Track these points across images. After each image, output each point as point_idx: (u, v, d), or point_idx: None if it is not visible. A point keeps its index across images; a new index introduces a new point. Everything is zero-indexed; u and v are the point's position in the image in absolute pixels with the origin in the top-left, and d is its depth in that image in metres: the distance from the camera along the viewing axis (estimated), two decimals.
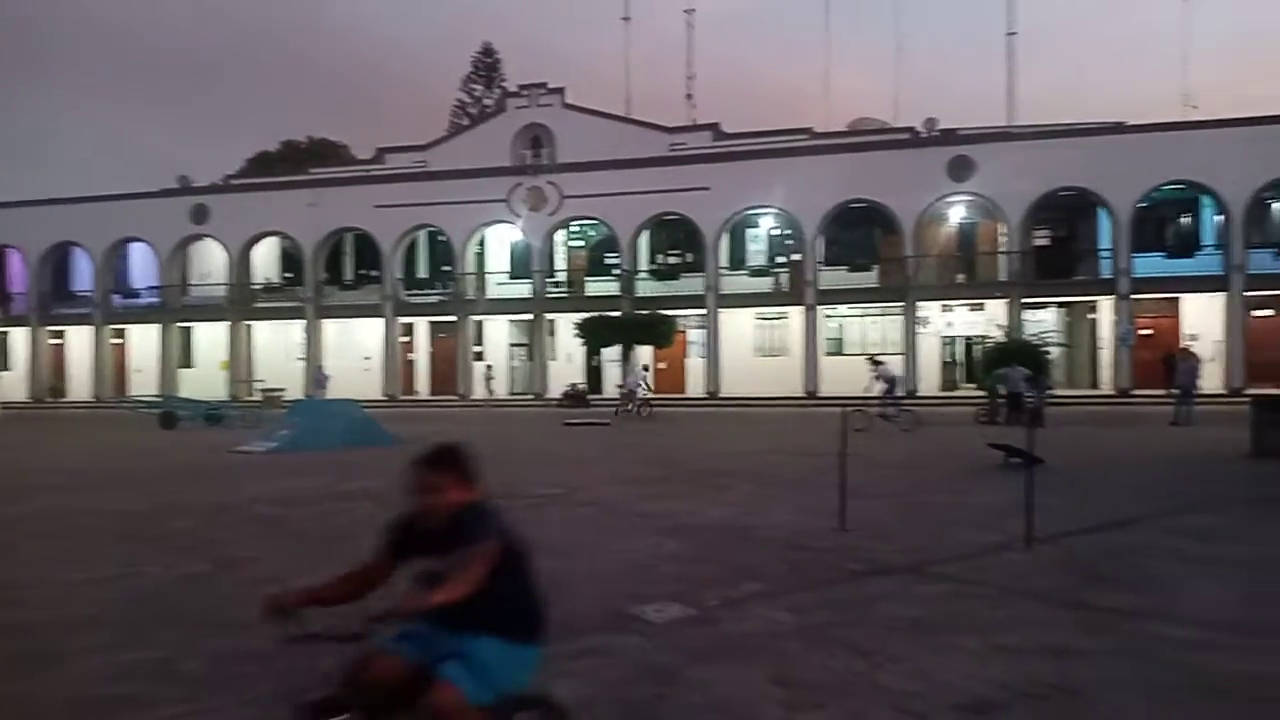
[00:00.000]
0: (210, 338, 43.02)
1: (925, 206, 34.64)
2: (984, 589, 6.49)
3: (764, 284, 37.78)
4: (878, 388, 21.20)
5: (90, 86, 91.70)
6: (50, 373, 44.93)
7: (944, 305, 36.30)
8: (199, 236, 42.85)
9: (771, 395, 33.35)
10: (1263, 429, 14.73)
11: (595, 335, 34.30)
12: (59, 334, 45.43)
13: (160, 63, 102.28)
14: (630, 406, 28.10)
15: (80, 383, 44.24)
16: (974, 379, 32.89)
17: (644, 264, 39.31)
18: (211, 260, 43.85)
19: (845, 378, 31.27)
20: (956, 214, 36.31)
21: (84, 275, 45.39)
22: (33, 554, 8.25)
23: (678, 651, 5.14)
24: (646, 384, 29.59)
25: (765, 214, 37.35)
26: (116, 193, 43.30)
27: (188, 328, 43.70)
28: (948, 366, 36.86)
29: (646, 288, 38.12)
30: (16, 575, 7.33)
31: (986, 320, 34.97)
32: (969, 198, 34.92)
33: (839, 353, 35.98)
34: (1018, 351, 26.70)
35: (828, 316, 36.73)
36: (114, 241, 43.70)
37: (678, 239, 39.21)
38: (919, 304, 34.97)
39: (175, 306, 43.05)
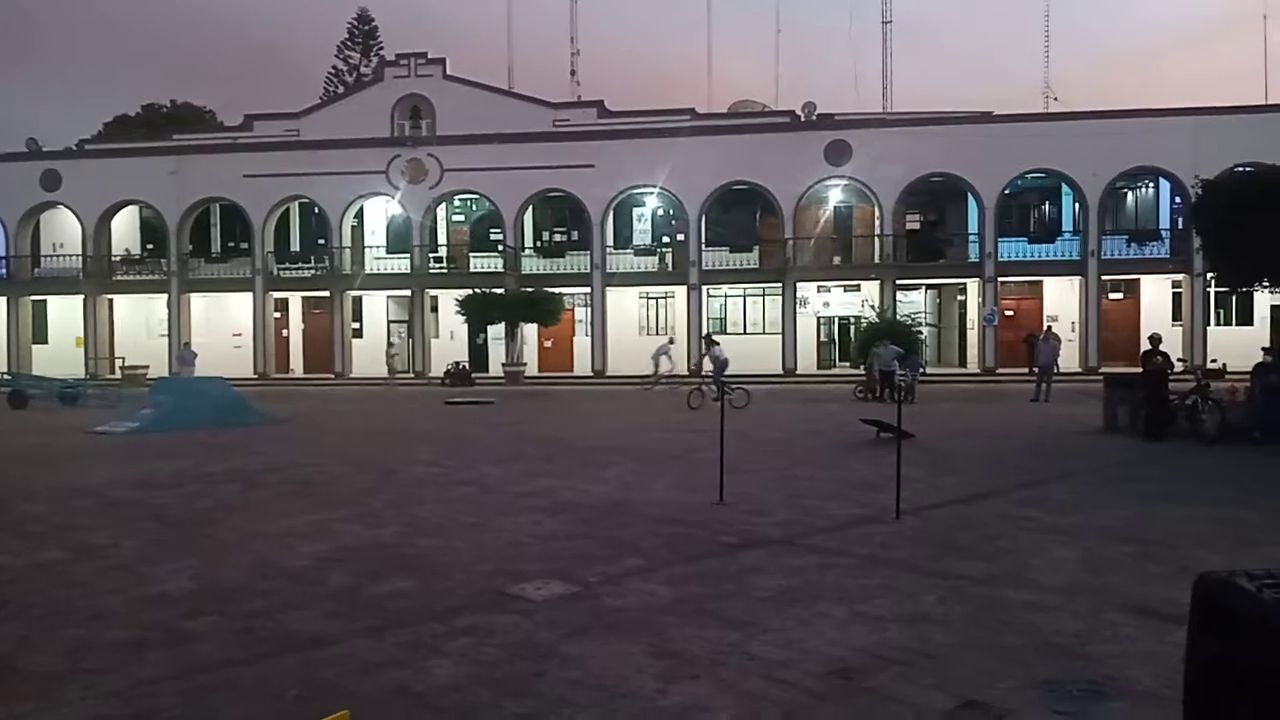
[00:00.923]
0: (65, 312, 40.47)
1: (804, 189, 35.41)
2: (851, 559, 6.74)
3: (649, 263, 38.00)
4: (707, 365, 22.74)
5: None
6: None
7: (821, 286, 37.32)
8: (51, 204, 40.16)
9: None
10: (1113, 405, 15.76)
11: (478, 312, 33.84)
12: None
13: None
14: (659, 381, 28.06)
15: None
16: (849, 358, 34.01)
17: (529, 241, 38.97)
18: (65, 230, 41.16)
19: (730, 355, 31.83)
20: (834, 197, 37.26)
21: None
22: None
23: (557, 628, 5.16)
24: (670, 359, 29.62)
25: (649, 193, 37.48)
26: None
27: (41, 301, 41.00)
28: (825, 346, 37.97)
29: (531, 265, 37.84)
30: None
31: (861, 301, 36.15)
32: (845, 181, 35.88)
33: (722, 331, 36.55)
34: (890, 331, 27.67)
35: (711, 296, 37.27)
36: None
37: (563, 216, 39.01)
38: (798, 284, 35.83)
39: (25, 279, 40.28)
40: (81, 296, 39.32)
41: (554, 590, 5.94)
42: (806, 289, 36.64)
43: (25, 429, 18.16)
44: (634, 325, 37.98)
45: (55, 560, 6.99)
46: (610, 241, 37.65)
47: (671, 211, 37.83)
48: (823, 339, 38.05)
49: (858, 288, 36.81)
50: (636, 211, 38.88)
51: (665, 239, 38.57)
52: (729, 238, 37.28)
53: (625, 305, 37.72)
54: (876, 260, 35.90)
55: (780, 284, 35.79)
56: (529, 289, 34.74)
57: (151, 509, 9.14)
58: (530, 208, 38.16)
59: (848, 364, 33.96)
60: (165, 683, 4.39)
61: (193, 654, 4.82)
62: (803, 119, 36.72)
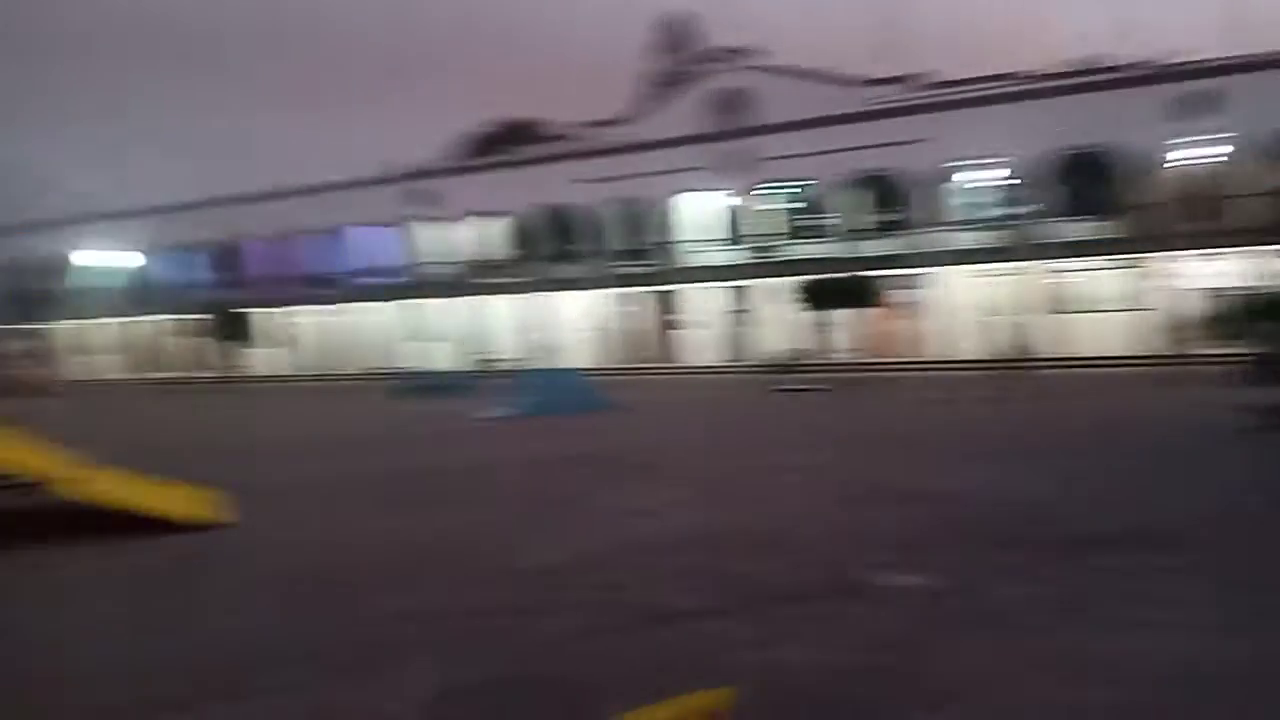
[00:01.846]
0: (442, 313, 46.01)
1: (1160, 148, 31.59)
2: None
3: (986, 239, 35.85)
4: None
5: (282, 93, 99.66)
6: (304, 348, 49.59)
7: (1186, 255, 33.07)
8: (427, 218, 45.81)
9: (998, 357, 31.72)
10: None
11: (807, 299, 33.82)
12: (308, 313, 49.96)
13: (353, 65, 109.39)
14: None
15: (328, 357, 48.56)
16: (1227, 335, 29.83)
17: (855, 224, 38.32)
18: (443, 239, 46.80)
19: (1087, 336, 29.40)
20: (1197, 155, 32.81)
21: (326, 258, 49.58)
22: (300, 509, 9.22)
23: (921, 621, 5.08)
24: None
25: (982, 165, 35.31)
26: (348, 180, 47.04)
27: (422, 304, 46.91)
28: (1190, 322, 33.62)
29: (857, 248, 37.18)
30: (293, 527, 8.24)
31: (1237, 271, 31.53)
32: (1213, 136, 31.48)
33: (1076, 311, 33.61)
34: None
35: (1056, 272, 34.41)
36: (350, 224, 47.52)
37: (889, 196, 37.91)
38: (1158, 254, 32.05)
39: (409, 284, 46.32)
40: (457, 299, 44.57)
41: (913, 581, 5.84)
42: (1168, 258, 32.64)
43: (416, 416, 20.89)
44: (971, 306, 36.03)
45: (449, 529, 8.02)
46: (941, 219, 36.00)
47: (1009, 183, 35.39)
48: (1190, 314, 33.68)
49: (1231, 256, 32.14)
50: (966, 185, 36.83)
51: (1004, 213, 36.16)
52: (1075, 207, 34.18)
53: (961, 285, 35.89)
54: (1252, 225, 31.08)
55: (1136, 254, 32.21)
56: (857, 273, 34.14)
57: (522, 486, 10.18)
58: (854, 189, 37.50)
59: (1224, 341, 29.81)
60: (552, 645, 4.90)
61: (572, 620, 5.34)
62: (1154, 71, 32.71)
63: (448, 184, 45.19)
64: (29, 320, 54.75)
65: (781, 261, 38.00)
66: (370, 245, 48.20)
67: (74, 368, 53.30)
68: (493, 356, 40.68)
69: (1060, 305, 33.46)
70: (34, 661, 4.99)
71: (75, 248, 49.60)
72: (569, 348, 38.87)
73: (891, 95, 36.10)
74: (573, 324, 42.28)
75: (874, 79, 37.52)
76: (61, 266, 53.73)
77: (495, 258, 46.20)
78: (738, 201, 38.57)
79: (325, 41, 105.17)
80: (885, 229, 37.42)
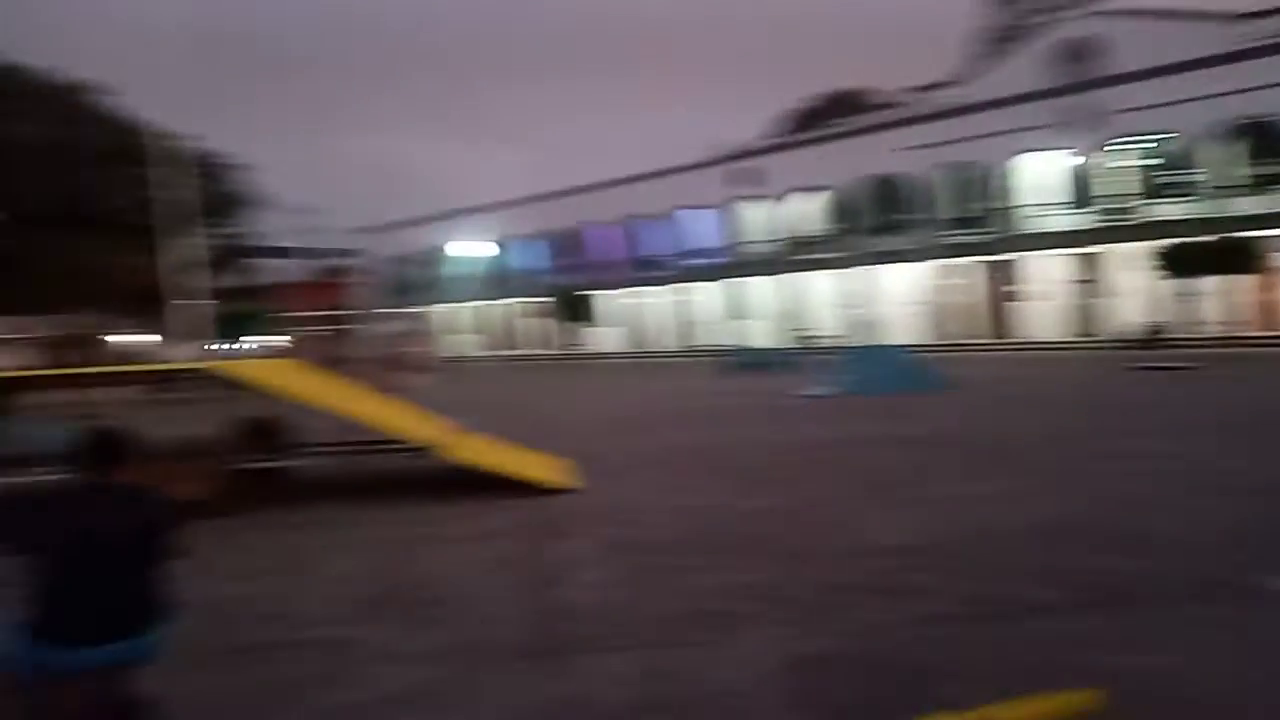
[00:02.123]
0: (763, 290, 46.50)
1: None
2: None
3: None
4: None
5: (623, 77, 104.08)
6: (640, 327, 52.43)
7: None
8: (746, 198, 46.39)
9: None
10: None
11: (1169, 265, 30.09)
12: (642, 294, 52.65)
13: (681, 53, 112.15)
14: None
15: (661, 335, 50.94)
16: None
17: (1222, 179, 33.47)
18: (760, 218, 47.24)
19: None
20: None
21: (656, 243, 51.88)
22: (640, 481, 9.70)
23: None
24: None
25: None
26: (674, 166, 48.77)
27: (743, 283, 47.71)
28: None
29: (1228, 206, 32.43)
30: (631, 499, 8.70)
31: None
32: None
33: None
34: None
35: None
36: (676, 209, 49.31)
37: (1265, 146, 32.61)
38: None
39: (731, 264, 47.26)
40: (776, 276, 44.82)
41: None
42: None
43: (743, 392, 21.28)
44: None
45: (784, 507, 8.06)
46: None
47: None
48: None
49: None
50: None
51: None
52: None
53: None
54: None
55: None
56: (1229, 235, 29.81)
57: (855, 466, 10.01)
58: (1224, 140, 32.72)
59: None
60: (900, 628, 4.78)
61: (921, 606, 5.16)
62: None
63: (771, 162, 45.44)
64: (409, 304, 62.74)
65: (1138, 224, 34.15)
66: (698, 227, 49.75)
67: (442, 347, 60.34)
68: (814, 333, 40.45)
69: None
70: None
71: (444, 239, 55.90)
72: (894, 323, 37.68)
73: (1268, 30, 30.99)
74: (898, 298, 40.89)
75: (1246, 13, 32.44)
76: (433, 257, 61.01)
77: (816, 233, 45.81)
78: (1085, 160, 35.11)
79: (657, 36, 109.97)
80: (1264, 183, 32.33)
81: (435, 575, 6.33)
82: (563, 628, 5.07)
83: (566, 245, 56.11)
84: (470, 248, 46.44)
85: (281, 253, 51.66)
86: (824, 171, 42.58)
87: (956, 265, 40.34)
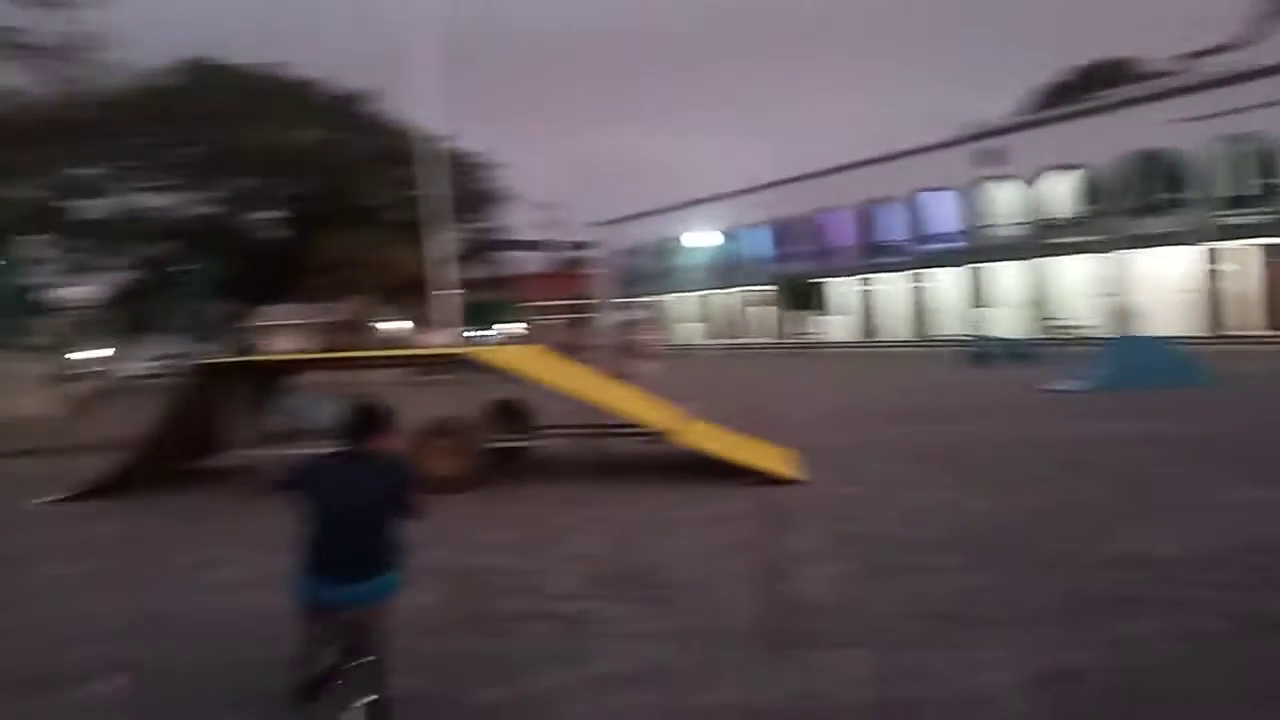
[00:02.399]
0: (1008, 277, 43.81)
1: None
2: None
3: None
4: None
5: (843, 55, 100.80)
6: (871, 315, 50.97)
7: None
8: (993, 178, 43.80)
9: None
10: None
11: None
12: (873, 281, 51.11)
13: (918, 16, 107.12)
14: None
15: (894, 324, 49.23)
16: None
17: None
18: (1007, 200, 44.49)
19: None
20: None
21: (894, 227, 50.12)
22: (873, 475, 9.40)
23: None
24: None
25: None
26: (913, 148, 46.74)
27: (986, 268, 45.17)
28: None
29: None
30: (865, 494, 8.44)
31: None
32: None
33: None
34: None
35: None
36: (914, 192, 47.33)
37: None
38: None
39: (974, 249, 44.85)
40: (1024, 261, 42.06)
41: None
42: None
43: (985, 385, 20.16)
44: None
45: (1033, 508, 7.54)
46: None
47: None
48: None
49: None
50: None
51: None
52: None
53: None
54: None
55: None
56: None
57: (1113, 468, 9.21)
58: None
59: None
60: (1163, 644, 4.35)
61: (1188, 620, 4.69)
62: None
63: (1021, 140, 42.68)
64: (641, 294, 64.46)
65: None
66: (939, 210, 47.64)
67: (671, 335, 61.50)
68: (1065, 323, 37.63)
69: None
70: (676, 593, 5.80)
71: (675, 230, 56.88)
72: (1156, 313, 34.28)
73: None
74: (1162, 286, 37.23)
75: None
76: (664, 247, 62.29)
77: (1068, 215, 42.56)
78: None
79: (900, 9, 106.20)
80: None
81: (669, 558, 6.44)
82: (796, 620, 5.01)
83: (796, 232, 55.47)
84: (700, 237, 46.97)
85: (525, 245, 54.57)
86: (1080, 149, 39.41)
87: (1231, 249, 36.16)
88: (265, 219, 41.39)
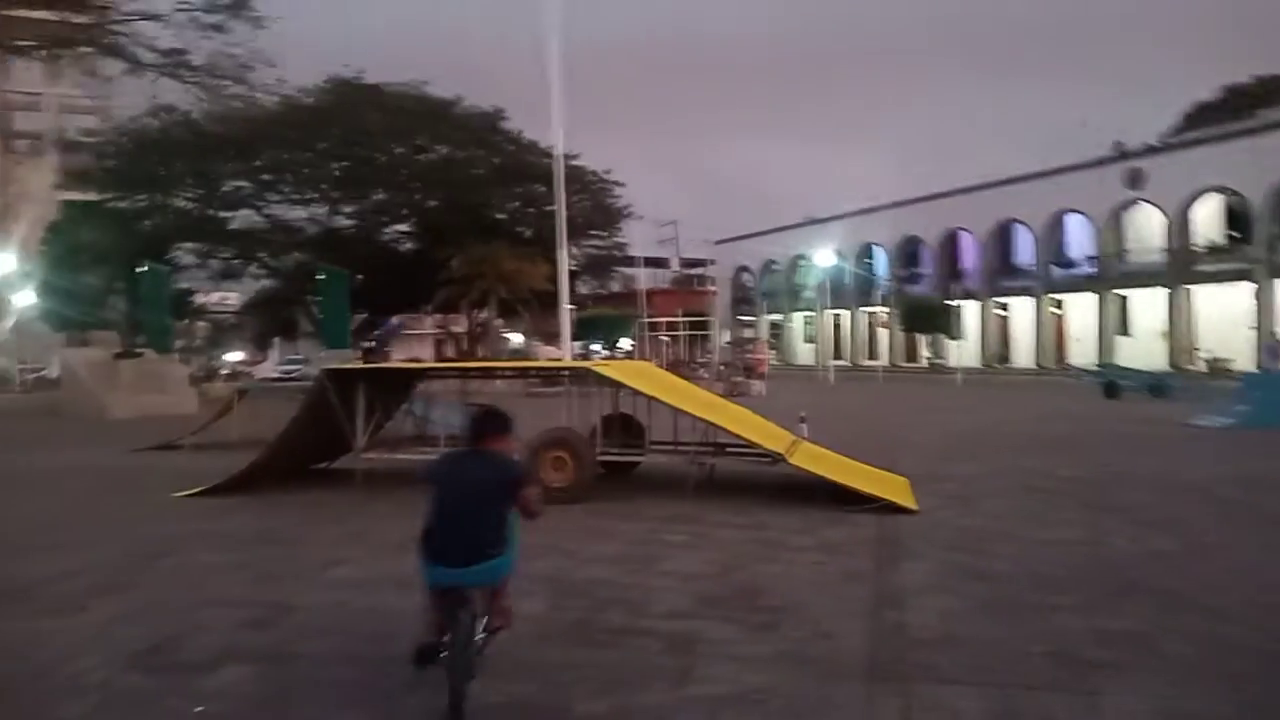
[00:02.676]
0: (1147, 305, 41.66)
1: None
2: None
3: None
4: None
5: (988, 68, 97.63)
6: (997, 341, 49.22)
7: None
8: (1134, 201, 41.79)
9: None
10: None
11: None
12: (1004, 305, 49.38)
13: (1067, 29, 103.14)
14: None
15: (1022, 351, 47.43)
16: None
17: None
18: (1146, 225, 42.34)
19: None
20: None
21: (1025, 249, 48.36)
22: (993, 508, 9.04)
23: None
24: None
25: None
26: (1050, 168, 44.98)
27: (1124, 295, 43.07)
28: None
29: None
30: (985, 526, 8.14)
31: None
32: None
33: None
34: None
35: None
36: (1051, 214, 45.53)
37: None
38: None
39: (1111, 275, 42.85)
40: (1163, 289, 39.89)
41: None
42: None
43: (1119, 418, 19.19)
44: None
45: (1167, 550, 7.14)
46: None
47: None
48: None
49: None
50: None
51: None
52: None
53: None
54: None
55: None
56: None
57: (1258, 510, 8.64)
58: None
59: None
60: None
61: None
62: None
63: (1166, 161, 40.61)
64: (756, 313, 64.08)
65: None
66: (1076, 233, 45.79)
67: (786, 355, 60.84)
68: (1212, 355, 35.50)
69: None
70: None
71: (795, 248, 56.36)
72: None
73: None
74: None
75: None
76: (782, 265, 61.77)
77: (1214, 242, 40.20)
78: None
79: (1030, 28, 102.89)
80: None
81: (777, 582, 6.36)
82: (907, 652, 4.87)
83: (920, 253, 54.17)
84: (822, 256, 46.35)
85: (644, 262, 55.04)
86: (1230, 172, 37.20)
87: None
88: (398, 231, 43.09)
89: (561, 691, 4.39)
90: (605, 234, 44.18)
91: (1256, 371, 26.25)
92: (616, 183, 42.63)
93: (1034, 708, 4.09)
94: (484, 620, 4.20)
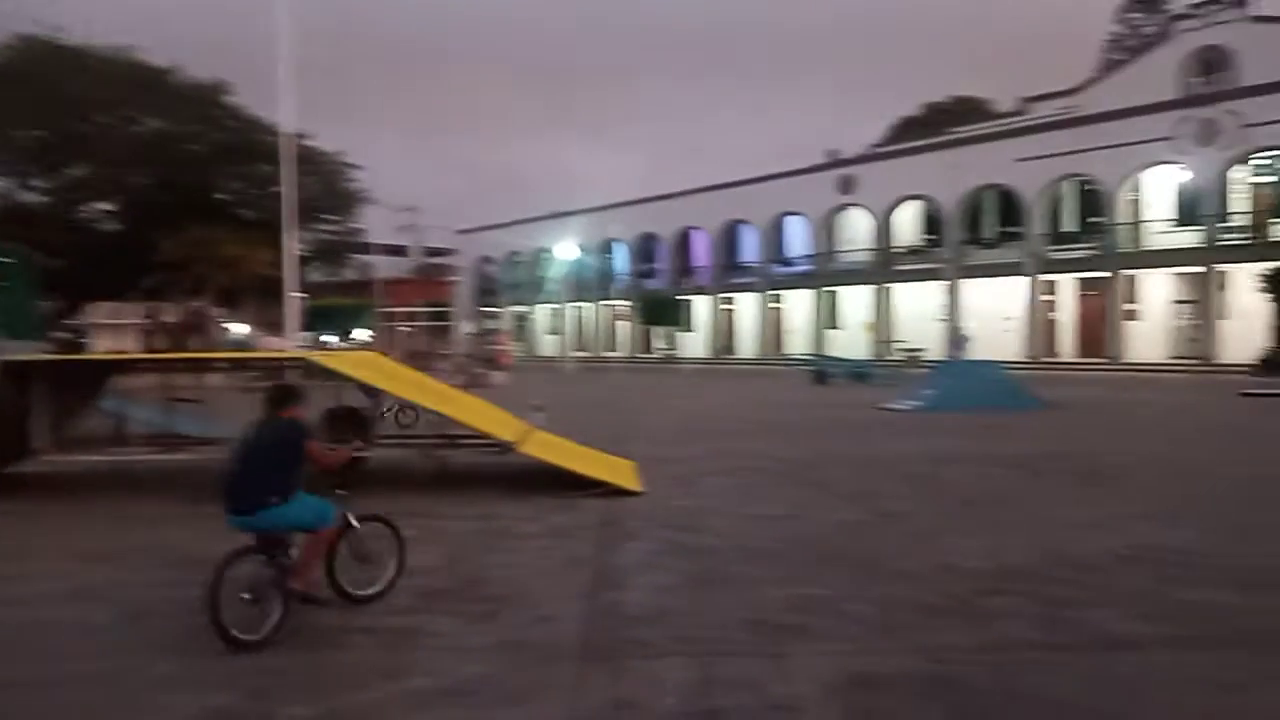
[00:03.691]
0: (855, 301, 45.69)
1: None
2: None
3: None
4: None
5: (738, 76, 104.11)
6: (724, 334, 52.11)
7: None
8: (845, 206, 45.65)
9: None
10: None
11: (1275, 288, 28.61)
12: (729, 301, 52.34)
13: (794, 43, 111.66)
14: None
15: (747, 342, 50.55)
16: None
17: None
18: (856, 227, 46.42)
19: None
20: None
21: (750, 248, 51.51)
22: (712, 488, 9.60)
23: None
24: None
25: None
26: (773, 173, 48.23)
27: (835, 292, 46.96)
28: None
29: None
30: (702, 505, 8.61)
31: None
32: None
33: None
34: None
35: None
36: (773, 216, 48.81)
37: None
38: None
39: (824, 273, 46.58)
40: (869, 286, 43.96)
41: None
42: None
43: (828, 403, 20.94)
44: None
45: (860, 521, 7.87)
46: None
47: None
48: None
49: None
50: None
51: None
52: None
53: None
54: None
55: None
56: None
57: (939, 483, 9.72)
58: None
59: None
60: (970, 652, 4.59)
61: (994, 629, 4.96)
62: None
63: (875, 170, 44.64)
64: (497, 304, 63.87)
65: (1265, 244, 32.39)
66: (795, 234, 49.27)
67: (525, 347, 61.20)
68: (905, 346, 39.57)
69: None
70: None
71: (537, 241, 56.68)
72: (990, 339, 36.51)
73: None
74: (996, 314, 39.67)
75: None
76: (524, 258, 61.97)
77: (915, 244, 44.81)
78: (1212, 175, 33.42)
79: (761, 37, 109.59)
80: None
81: (502, 571, 6.36)
82: (621, 630, 5.03)
83: (657, 249, 56.23)
84: (561, 250, 46.94)
85: (382, 249, 53.17)
86: (927, 181, 41.60)
87: (1060, 281, 38.95)
88: (101, 210, 38.76)
89: (264, 698, 4.14)
90: (340, 219, 42.15)
91: (944, 360, 29.51)
92: (353, 165, 40.82)
93: (732, 672, 4.34)
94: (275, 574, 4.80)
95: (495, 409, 10.96)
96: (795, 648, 4.68)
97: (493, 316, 63.64)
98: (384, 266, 52.03)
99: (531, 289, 61.04)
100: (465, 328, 47.15)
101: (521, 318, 64.19)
